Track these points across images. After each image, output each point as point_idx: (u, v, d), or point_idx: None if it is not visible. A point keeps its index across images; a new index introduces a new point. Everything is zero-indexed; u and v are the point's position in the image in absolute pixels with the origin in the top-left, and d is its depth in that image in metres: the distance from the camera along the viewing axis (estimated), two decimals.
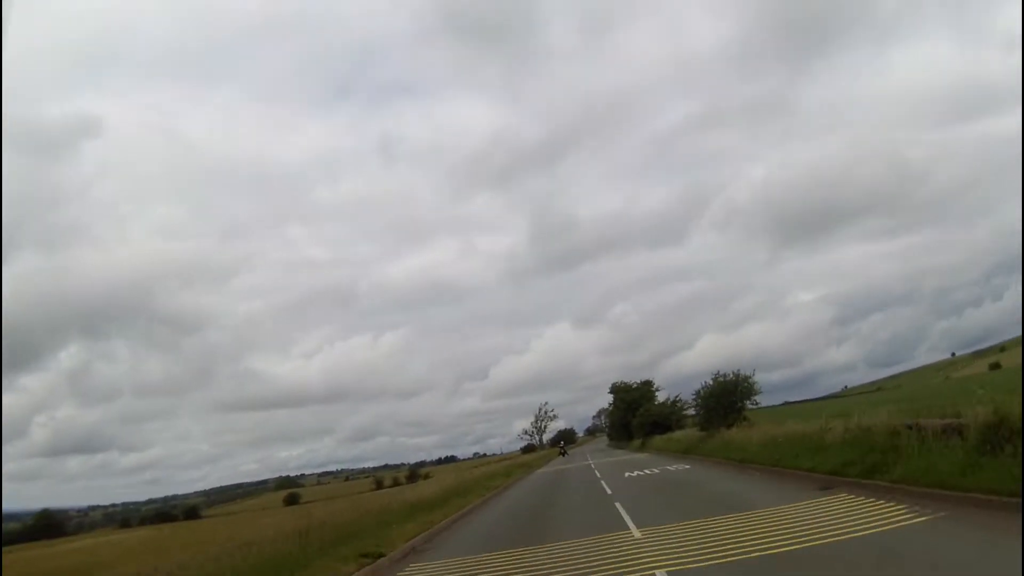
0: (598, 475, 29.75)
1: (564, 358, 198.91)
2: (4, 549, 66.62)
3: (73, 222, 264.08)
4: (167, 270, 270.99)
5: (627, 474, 27.21)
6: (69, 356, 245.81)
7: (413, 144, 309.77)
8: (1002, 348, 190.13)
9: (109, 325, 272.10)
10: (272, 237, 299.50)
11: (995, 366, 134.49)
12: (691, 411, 35.57)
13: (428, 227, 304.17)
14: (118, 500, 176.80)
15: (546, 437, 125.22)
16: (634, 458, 42.66)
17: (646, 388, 79.01)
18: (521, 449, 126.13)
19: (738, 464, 22.57)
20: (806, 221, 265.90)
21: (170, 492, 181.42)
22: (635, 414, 67.34)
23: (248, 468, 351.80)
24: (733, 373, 33.81)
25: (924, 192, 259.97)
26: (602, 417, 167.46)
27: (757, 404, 33.96)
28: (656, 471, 26.62)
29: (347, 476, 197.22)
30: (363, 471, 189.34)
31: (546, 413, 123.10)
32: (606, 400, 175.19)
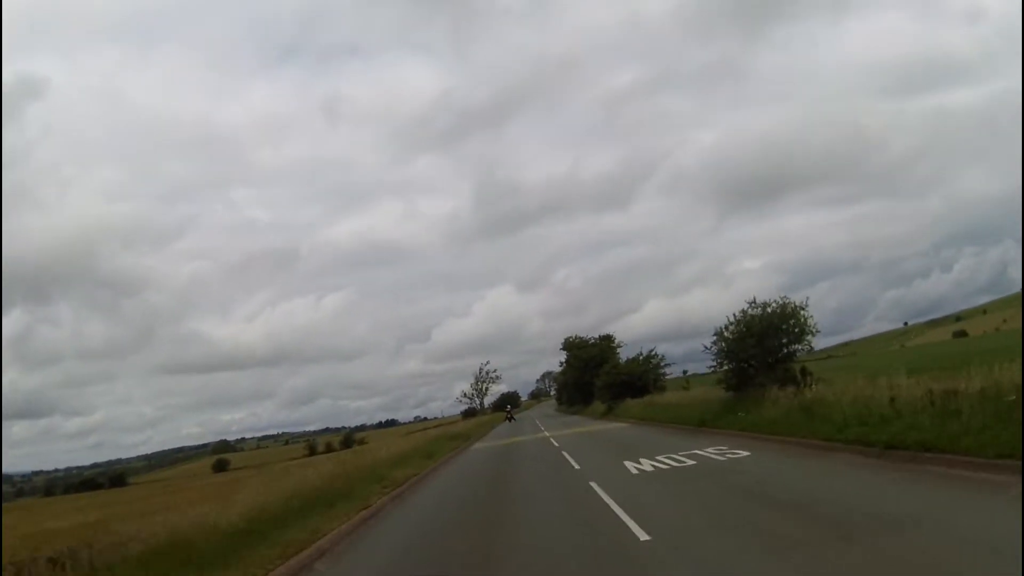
0: (574, 463, 17.86)
1: (507, 321, 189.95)
2: None
3: (15, 186, 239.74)
4: (109, 233, 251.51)
5: (635, 467, 15.12)
6: (11, 321, 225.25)
7: (357, 106, 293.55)
8: (958, 318, 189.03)
9: (51, 289, 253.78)
10: (215, 200, 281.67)
11: (960, 334, 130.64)
12: (711, 363, 23.66)
13: (371, 189, 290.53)
14: (62, 465, 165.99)
15: (488, 400, 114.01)
16: (608, 429, 30.97)
17: (606, 344, 67.74)
18: (461, 413, 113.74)
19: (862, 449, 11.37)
20: (755, 188, 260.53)
21: (114, 456, 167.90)
22: (596, 373, 55.81)
23: (190, 431, 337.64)
24: (777, 302, 22.15)
25: (876, 162, 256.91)
26: (547, 380, 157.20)
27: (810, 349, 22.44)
28: (693, 462, 14.62)
29: (287, 440, 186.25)
30: (304, 434, 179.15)
31: (487, 374, 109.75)
32: (550, 363, 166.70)
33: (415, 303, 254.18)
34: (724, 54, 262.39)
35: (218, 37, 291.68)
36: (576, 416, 57.85)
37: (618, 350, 63.70)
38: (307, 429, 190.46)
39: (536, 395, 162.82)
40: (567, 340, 74.73)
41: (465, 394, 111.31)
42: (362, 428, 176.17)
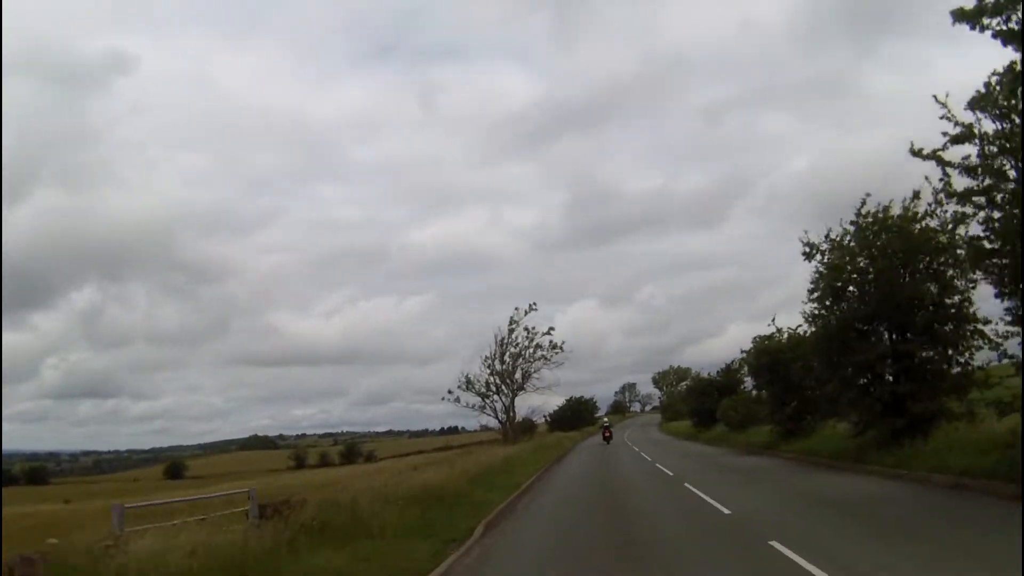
0: None
1: (586, 336, 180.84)
2: None
3: (96, 160, 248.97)
4: (191, 217, 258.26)
5: None
6: (84, 297, 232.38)
7: (450, 108, 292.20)
8: None
9: (127, 268, 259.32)
10: (301, 193, 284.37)
11: None
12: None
13: (459, 193, 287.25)
14: (123, 447, 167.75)
15: (525, 404, 57.55)
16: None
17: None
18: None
19: None
20: (850, 214, 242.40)
21: (176, 443, 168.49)
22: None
23: (260, 424, 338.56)
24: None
25: None
26: (626, 393, 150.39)
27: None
28: None
29: (348, 441, 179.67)
30: (369, 435, 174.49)
31: (530, 335, 52.70)
32: (622, 381, 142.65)
33: (495, 312, 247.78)
34: (831, 70, 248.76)
35: (313, 30, 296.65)
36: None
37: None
38: (374, 430, 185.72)
39: (618, 408, 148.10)
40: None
41: (471, 383, 51.90)
42: (424, 432, 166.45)
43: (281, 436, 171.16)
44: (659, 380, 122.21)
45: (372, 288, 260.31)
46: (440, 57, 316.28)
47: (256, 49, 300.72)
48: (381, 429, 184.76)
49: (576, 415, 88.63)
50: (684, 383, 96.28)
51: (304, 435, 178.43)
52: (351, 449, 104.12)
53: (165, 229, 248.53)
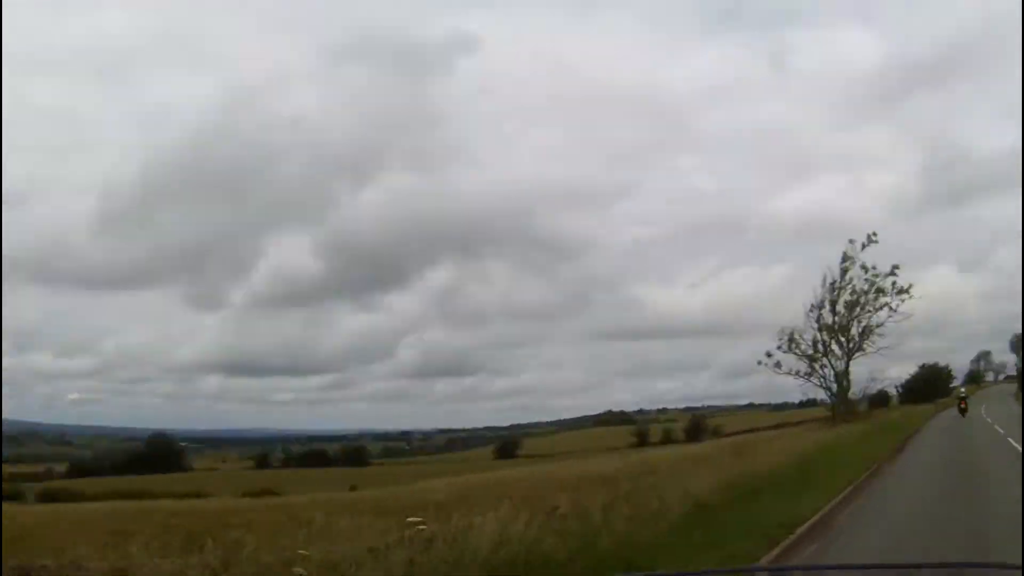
0: None
1: (942, 303, 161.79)
2: None
3: (447, 141, 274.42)
4: (546, 194, 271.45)
5: None
6: (439, 276, 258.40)
7: (801, 72, 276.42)
8: None
9: (483, 246, 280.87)
10: (657, 165, 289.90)
11: None
12: None
13: (816, 159, 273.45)
14: (480, 424, 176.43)
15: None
16: None
17: None
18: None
19: None
20: None
21: (535, 419, 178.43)
22: None
23: (621, 398, 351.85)
24: None
25: None
26: (981, 362, 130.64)
27: None
28: None
29: (707, 413, 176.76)
30: (734, 408, 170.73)
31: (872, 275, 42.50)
32: (976, 350, 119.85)
33: (855, 280, 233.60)
34: None
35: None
36: None
37: None
38: (736, 403, 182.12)
39: (973, 378, 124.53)
40: None
41: (795, 341, 42.61)
42: (784, 406, 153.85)
43: (641, 411, 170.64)
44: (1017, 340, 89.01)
45: (733, 258, 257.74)
46: (784, 22, 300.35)
47: (601, 23, 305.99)
48: (743, 402, 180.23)
49: (930, 385, 77.88)
50: None
51: (665, 409, 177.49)
52: (696, 425, 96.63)
53: (522, 206, 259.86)
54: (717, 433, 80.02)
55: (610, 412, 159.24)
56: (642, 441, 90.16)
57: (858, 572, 3.59)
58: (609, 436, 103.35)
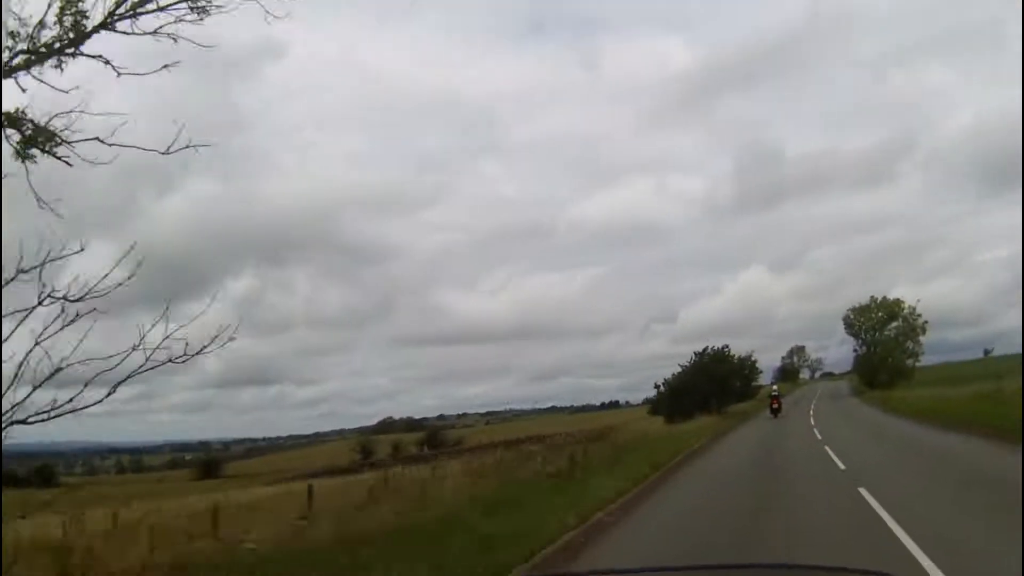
0: None
1: (756, 303, 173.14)
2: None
3: (252, 147, 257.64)
4: (351, 200, 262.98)
5: None
6: (242, 285, 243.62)
7: (608, 79, 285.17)
8: None
9: (287, 253, 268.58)
10: (463, 171, 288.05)
11: None
12: None
13: (623, 164, 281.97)
14: (284, 433, 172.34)
15: None
16: None
17: None
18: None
19: None
20: (1015, 169, 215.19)
21: (340, 426, 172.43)
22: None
23: (427, 404, 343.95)
24: None
25: None
26: (795, 357, 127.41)
27: None
28: None
29: (511, 417, 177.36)
30: (536, 412, 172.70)
31: None
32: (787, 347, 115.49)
33: (665, 283, 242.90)
34: (994, 14, 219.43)
35: (467, 6, 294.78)
36: None
37: None
38: (539, 407, 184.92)
39: (785, 374, 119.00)
40: None
41: None
42: (596, 407, 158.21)
43: (441, 416, 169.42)
44: (854, 321, 73.82)
45: (540, 263, 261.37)
46: (593, 28, 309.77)
47: (408, 30, 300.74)
48: (545, 406, 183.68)
49: (718, 380, 50.23)
50: (895, 323, 66.52)
51: (465, 414, 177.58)
52: (434, 436, 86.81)
53: (325, 212, 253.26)
54: (459, 444, 71.24)
55: (391, 419, 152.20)
56: (367, 458, 74.17)
57: (735, 572, 3.44)
58: (338, 452, 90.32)
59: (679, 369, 52.28)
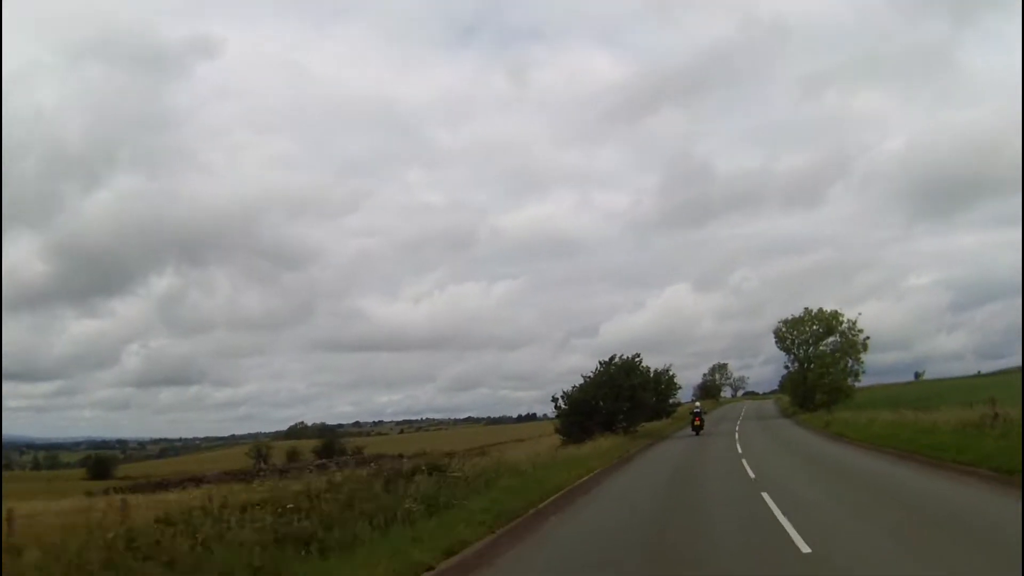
0: None
1: (678, 320, 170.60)
2: None
3: (178, 144, 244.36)
4: (275, 202, 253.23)
5: None
6: (164, 283, 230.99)
7: (538, 90, 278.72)
8: None
9: (209, 253, 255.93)
10: (388, 177, 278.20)
11: None
12: None
13: (548, 176, 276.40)
14: (201, 435, 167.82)
15: None
16: None
17: None
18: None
19: None
20: (944, 197, 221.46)
21: (257, 430, 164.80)
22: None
23: (344, 411, 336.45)
24: None
25: None
26: (716, 374, 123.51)
27: None
28: None
29: (418, 427, 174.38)
30: (448, 422, 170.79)
31: None
32: (709, 365, 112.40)
33: (587, 296, 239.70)
34: (931, 42, 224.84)
35: (399, 12, 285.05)
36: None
37: None
38: (455, 417, 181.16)
39: (706, 391, 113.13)
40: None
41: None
42: (501, 420, 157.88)
43: (357, 423, 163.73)
44: (786, 334, 63.22)
45: (461, 273, 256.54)
46: (525, 39, 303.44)
47: (342, 35, 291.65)
48: (462, 416, 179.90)
49: (626, 394, 43.02)
50: (832, 338, 58.34)
51: (380, 422, 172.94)
52: (330, 445, 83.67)
53: (248, 213, 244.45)
54: (359, 452, 63.73)
55: (303, 424, 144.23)
56: (263, 462, 67.78)
57: None
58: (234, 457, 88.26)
59: (582, 380, 44.33)
